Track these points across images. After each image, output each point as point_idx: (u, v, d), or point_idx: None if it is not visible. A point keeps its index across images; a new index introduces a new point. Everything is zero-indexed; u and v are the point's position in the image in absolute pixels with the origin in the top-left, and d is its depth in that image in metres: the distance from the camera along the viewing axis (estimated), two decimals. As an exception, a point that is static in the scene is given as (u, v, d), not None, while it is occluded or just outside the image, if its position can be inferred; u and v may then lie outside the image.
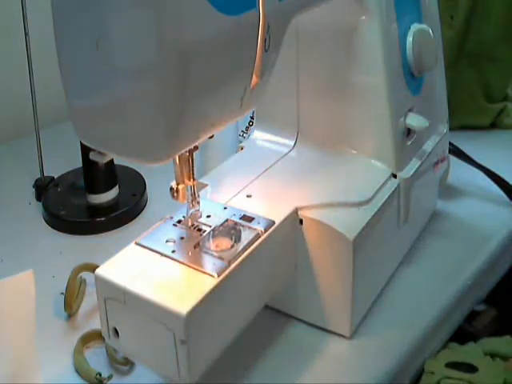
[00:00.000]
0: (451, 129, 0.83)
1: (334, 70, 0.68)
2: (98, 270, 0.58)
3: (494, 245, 0.78)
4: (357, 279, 0.61)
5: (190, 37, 0.43)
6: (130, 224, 0.83)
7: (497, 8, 0.96)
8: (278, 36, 0.51)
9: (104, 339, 0.62)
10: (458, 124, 0.94)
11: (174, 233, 0.60)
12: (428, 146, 0.76)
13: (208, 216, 0.60)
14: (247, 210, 0.61)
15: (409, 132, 0.71)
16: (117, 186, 0.86)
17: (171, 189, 0.58)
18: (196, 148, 0.56)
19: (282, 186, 0.65)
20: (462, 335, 0.69)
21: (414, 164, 0.71)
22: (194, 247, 0.56)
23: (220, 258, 0.54)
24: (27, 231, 0.83)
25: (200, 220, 0.59)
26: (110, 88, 0.46)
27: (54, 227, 0.84)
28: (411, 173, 0.69)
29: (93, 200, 0.84)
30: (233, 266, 0.53)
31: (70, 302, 0.68)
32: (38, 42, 0.85)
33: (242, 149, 0.76)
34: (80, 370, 0.61)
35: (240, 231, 0.57)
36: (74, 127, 0.49)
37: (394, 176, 0.68)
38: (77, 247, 0.79)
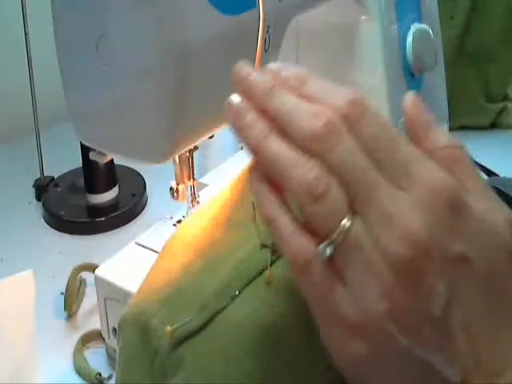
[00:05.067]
0: (451, 129, 0.83)
1: (334, 69, 0.68)
2: (97, 270, 0.58)
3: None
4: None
5: (190, 37, 0.43)
6: (130, 224, 0.83)
7: (497, 8, 0.96)
8: (277, 36, 0.51)
9: (104, 339, 0.62)
10: (458, 124, 0.94)
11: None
12: (428, 146, 0.76)
13: (208, 216, 0.60)
14: (247, 210, 0.61)
15: (409, 132, 0.71)
16: (117, 186, 0.86)
17: (171, 189, 0.58)
18: (196, 148, 0.56)
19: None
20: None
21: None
22: (194, 247, 0.56)
23: (220, 258, 0.54)
24: (27, 231, 0.83)
25: (200, 220, 0.59)
26: (109, 88, 0.46)
27: (54, 227, 0.84)
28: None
29: (93, 200, 0.84)
30: (233, 266, 0.53)
31: (70, 302, 0.68)
32: (38, 42, 0.85)
33: (241, 149, 0.76)
34: (80, 370, 0.61)
35: (240, 231, 0.57)
36: (74, 127, 0.49)
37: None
38: (77, 247, 0.79)
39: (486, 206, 0.31)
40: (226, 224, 0.42)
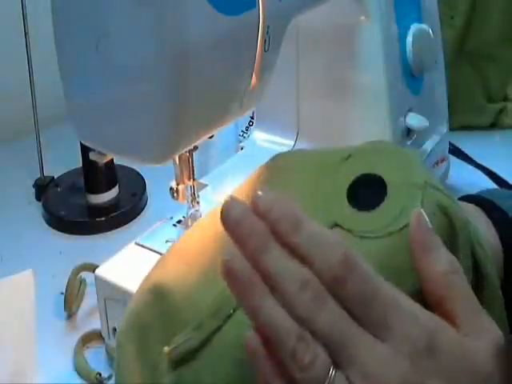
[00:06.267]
0: (451, 129, 0.83)
1: (334, 69, 0.68)
2: (97, 270, 0.58)
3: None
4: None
5: (189, 37, 0.43)
6: (129, 224, 0.83)
7: (497, 8, 0.96)
8: (277, 36, 0.51)
9: (104, 339, 0.62)
10: (458, 124, 0.94)
11: (174, 233, 0.60)
12: (428, 145, 0.76)
13: (208, 216, 0.60)
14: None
15: (409, 132, 0.71)
16: (117, 186, 0.86)
17: (171, 189, 0.58)
18: (196, 148, 0.56)
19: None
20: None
21: (413, 164, 0.71)
22: (194, 247, 0.56)
23: (220, 258, 0.54)
24: (27, 231, 0.83)
25: (200, 220, 0.59)
26: (109, 88, 0.46)
27: (54, 227, 0.84)
28: (411, 173, 0.69)
29: (93, 200, 0.84)
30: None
31: (70, 302, 0.68)
32: (37, 42, 0.85)
33: (241, 149, 0.76)
34: (80, 370, 0.61)
35: (240, 231, 0.57)
36: (74, 127, 0.49)
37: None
38: (77, 247, 0.79)
39: (471, 331, 0.35)
40: (220, 237, 0.42)
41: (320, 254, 0.34)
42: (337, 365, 0.34)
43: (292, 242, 0.35)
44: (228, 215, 0.35)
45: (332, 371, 0.33)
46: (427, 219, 0.38)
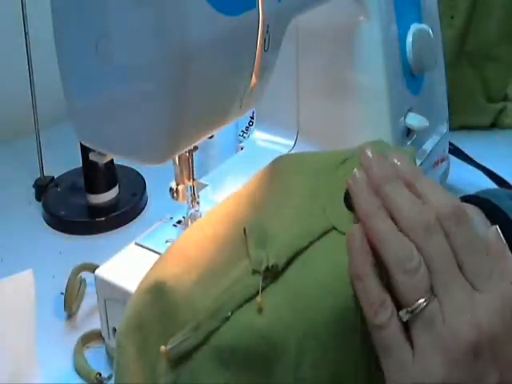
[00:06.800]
0: (451, 129, 0.83)
1: (334, 69, 0.68)
2: (97, 271, 0.58)
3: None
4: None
5: (189, 37, 0.43)
6: (129, 224, 0.83)
7: (497, 8, 0.96)
8: (277, 36, 0.51)
9: (104, 339, 0.62)
10: (458, 124, 0.94)
11: (174, 233, 0.60)
12: (428, 145, 0.76)
13: (208, 216, 0.60)
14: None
15: (409, 132, 0.71)
16: (117, 186, 0.86)
17: (171, 189, 0.58)
18: (196, 148, 0.56)
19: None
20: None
21: (413, 164, 0.71)
22: (194, 247, 0.56)
23: (220, 258, 0.54)
24: (27, 231, 0.83)
25: (200, 220, 0.59)
26: (109, 88, 0.46)
27: (54, 227, 0.84)
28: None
29: (93, 200, 0.84)
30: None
31: (70, 302, 0.68)
32: (37, 42, 0.85)
33: (242, 149, 0.76)
34: (80, 370, 0.61)
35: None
36: (74, 127, 0.49)
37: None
38: (77, 247, 0.79)
39: None
40: (220, 239, 0.43)
41: (437, 198, 0.38)
42: (432, 290, 0.36)
43: (414, 185, 0.39)
44: (365, 152, 0.40)
45: (429, 291, 0.36)
46: None
